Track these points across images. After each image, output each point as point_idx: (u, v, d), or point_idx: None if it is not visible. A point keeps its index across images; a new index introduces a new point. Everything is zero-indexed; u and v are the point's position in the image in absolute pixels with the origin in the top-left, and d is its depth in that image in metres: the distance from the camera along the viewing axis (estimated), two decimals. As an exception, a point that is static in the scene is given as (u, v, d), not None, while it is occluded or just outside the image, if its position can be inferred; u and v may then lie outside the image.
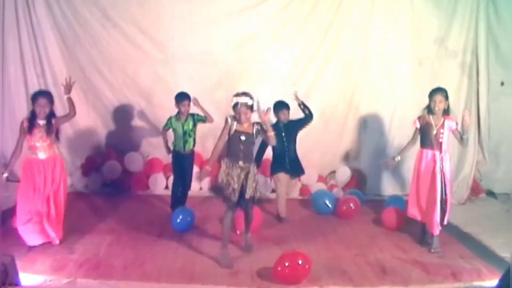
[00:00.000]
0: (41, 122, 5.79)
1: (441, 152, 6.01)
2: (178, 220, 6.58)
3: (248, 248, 6.04)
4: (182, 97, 7.08)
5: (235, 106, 5.55)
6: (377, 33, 8.51)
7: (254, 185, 5.68)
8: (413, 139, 6.34)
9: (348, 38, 8.53)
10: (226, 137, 5.65)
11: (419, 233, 6.42)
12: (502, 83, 8.64)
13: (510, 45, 8.56)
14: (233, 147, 5.63)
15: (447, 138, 6.04)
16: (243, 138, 5.59)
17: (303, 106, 7.12)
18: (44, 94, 5.89)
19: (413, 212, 6.36)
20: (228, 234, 5.75)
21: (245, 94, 5.56)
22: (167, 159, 8.02)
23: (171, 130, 7.24)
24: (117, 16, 8.40)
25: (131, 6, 8.38)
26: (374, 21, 8.47)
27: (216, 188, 5.71)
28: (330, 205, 7.45)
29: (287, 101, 7.18)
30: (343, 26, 8.49)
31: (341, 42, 8.54)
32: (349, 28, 8.50)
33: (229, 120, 5.60)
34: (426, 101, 6.12)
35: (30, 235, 5.80)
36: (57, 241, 5.95)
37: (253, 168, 5.70)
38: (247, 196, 5.63)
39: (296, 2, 8.44)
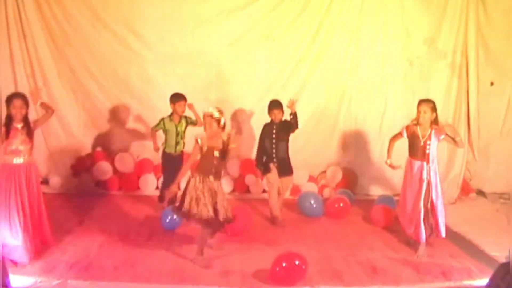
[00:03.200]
0: (19, 125, 5.59)
1: (428, 162, 5.99)
2: (168, 220, 6.57)
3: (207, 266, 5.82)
4: (178, 97, 7.14)
5: (203, 117, 5.69)
6: (367, 34, 8.53)
7: (225, 204, 5.67)
8: (392, 141, 6.35)
9: (338, 38, 8.55)
10: (197, 158, 5.69)
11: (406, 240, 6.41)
12: (492, 83, 8.67)
13: (499, 45, 8.60)
14: (206, 162, 5.63)
15: (435, 149, 6.04)
16: (216, 153, 5.62)
17: (293, 117, 7.06)
18: (19, 96, 5.65)
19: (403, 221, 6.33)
20: (204, 245, 5.75)
21: (216, 108, 5.67)
22: (158, 159, 8.01)
23: (160, 131, 7.26)
24: (108, 16, 8.38)
25: (122, 7, 8.36)
26: (364, 21, 8.48)
27: (181, 212, 5.65)
28: (315, 205, 7.47)
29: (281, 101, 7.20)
30: (333, 26, 8.51)
31: (331, 42, 8.56)
32: (339, 28, 8.52)
33: (199, 140, 5.63)
34: (416, 101, 6.13)
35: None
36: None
37: (221, 186, 5.73)
38: (221, 218, 5.60)
39: (287, 3, 8.45)
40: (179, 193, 5.88)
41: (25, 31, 8.30)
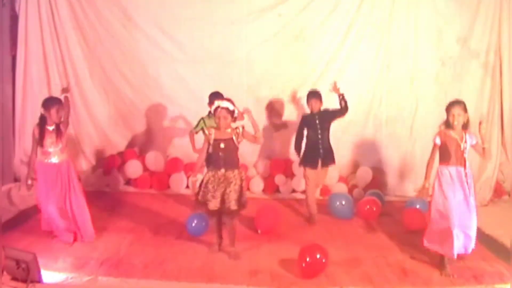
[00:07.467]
0: (51, 127, 5.86)
1: (465, 168, 5.53)
2: (193, 225, 6.48)
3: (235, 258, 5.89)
4: (213, 98, 6.70)
5: (215, 109, 5.62)
6: (399, 33, 8.42)
7: (235, 196, 5.65)
8: (432, 158, 5.72)
9: (369, 38, 8.46)
10: (206, 150, 5.74)
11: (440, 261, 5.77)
12: (526, 84, 8.52)
13: (534, 45, 8.43)
14: (213, 155, 5.68)
15: (468, 154, 5.57)
16: (222, 145, 5.63)
17: (342, 100, 6.98)
18: (57, 102, 5.92)
19: (439, 244, 5.63)
20: (218, 234, 6.05)
21: (227, 99, 5.72)
22: (188, 158, 8.04)
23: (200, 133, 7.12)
24: (138, 16, 8.46)
25: (152, 7, 8.42)
26: (396, 20, 8.38)
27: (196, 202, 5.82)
28: (346, 207, 7.40)
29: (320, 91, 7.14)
30: (364, 26, 8.42)
31: (362, 42, 8.48)
32: (370, 28, 8.43)
33: (206, 131, 5.69)
34: (448, 102, 5.99)
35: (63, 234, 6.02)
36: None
37: (236, 178, 5.68)
38: (226, 207, 5.64)
39: (317, 2, 8.39)
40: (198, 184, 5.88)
41: (58, 31, 8.46)
